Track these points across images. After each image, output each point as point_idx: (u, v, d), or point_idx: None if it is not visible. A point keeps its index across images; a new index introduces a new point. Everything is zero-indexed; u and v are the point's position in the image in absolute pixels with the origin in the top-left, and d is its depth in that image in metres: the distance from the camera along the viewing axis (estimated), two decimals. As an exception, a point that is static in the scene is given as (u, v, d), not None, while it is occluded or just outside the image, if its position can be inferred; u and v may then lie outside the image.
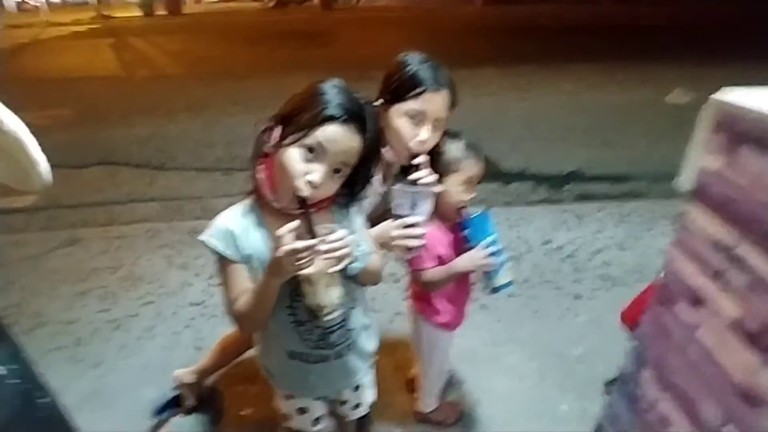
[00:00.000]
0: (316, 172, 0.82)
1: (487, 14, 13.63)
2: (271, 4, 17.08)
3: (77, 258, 2.60)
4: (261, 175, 0.89)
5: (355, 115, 0.84)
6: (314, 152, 0.82)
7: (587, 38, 8.79)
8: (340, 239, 0.81)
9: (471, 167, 1.19)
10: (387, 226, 1.12)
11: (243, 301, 0.89)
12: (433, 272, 1.24)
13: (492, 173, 3.59)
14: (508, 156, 3.76)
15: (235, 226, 0.89)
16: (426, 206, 1.11)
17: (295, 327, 0.97)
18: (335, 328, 0.98)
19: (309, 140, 0.82)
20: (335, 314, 0.89)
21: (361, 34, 10.86)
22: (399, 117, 1.11)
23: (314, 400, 1.10)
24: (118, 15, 17.29)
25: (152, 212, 3.13)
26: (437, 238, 1.24)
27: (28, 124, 0.81)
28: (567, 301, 2.08)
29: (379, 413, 1.60)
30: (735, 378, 0.65)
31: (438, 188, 1.13)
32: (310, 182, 0.82)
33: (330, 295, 0.87)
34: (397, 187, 1.10)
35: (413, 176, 1.09)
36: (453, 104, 1.17)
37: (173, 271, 2.42)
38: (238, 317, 0.91)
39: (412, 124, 1.11)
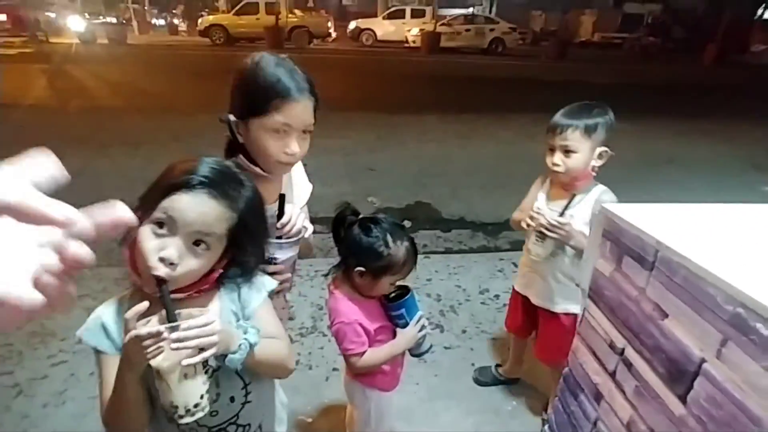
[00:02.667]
0: (170, 247, 0.74)
1: (431, 63, 14.36)
2: (220, 41, 17.05)
3: (-20, 310, 2.33)
4: (126, 260, 0.79)
5: (212, 182, 0.77)
6: (165, 226, 0.74)
7: (526, 91, 9.48)
8: (200, 326, 0.71)
9: (409, 268, 1.19)
10: None
11: (107, 403, 0.79)
12: (368, 357, 1.21)
13: (433, 219, 3.70)
14: (449, 203, 3.90)
15: (109, 317, 0.83)
16: (291, 253, 1.09)
17: (176, 428, 0.84)
18: (225, 425, 0.88)
19: (157, 213, 0.74)
20: (194, 416, 0.75)
21: (311, 75, 11.01)
22: (263, 132, 0.99)
23: None
24: (54, 41, 16.52)
25: (75, 257, 2.90)
26: (361, 314, 1.21)
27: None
28: (504, 353, 2.13)
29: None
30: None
31: (308, 234, 1.11)
32: (163, 259, 0.73)
33: (185, 393, 0.73)
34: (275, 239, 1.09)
35: (280, 230, 1.05)
36: (316, 107, 1.06)
37: (93, 325, 2.23)
38: (105, 422, 0.81)
39: (278, 138, 1.00)
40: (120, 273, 2.57)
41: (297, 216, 1.07)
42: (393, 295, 1.23)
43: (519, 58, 16.47)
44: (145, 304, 0.70)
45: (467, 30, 17.58)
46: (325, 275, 2.34)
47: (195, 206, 0.75)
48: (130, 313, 0.69)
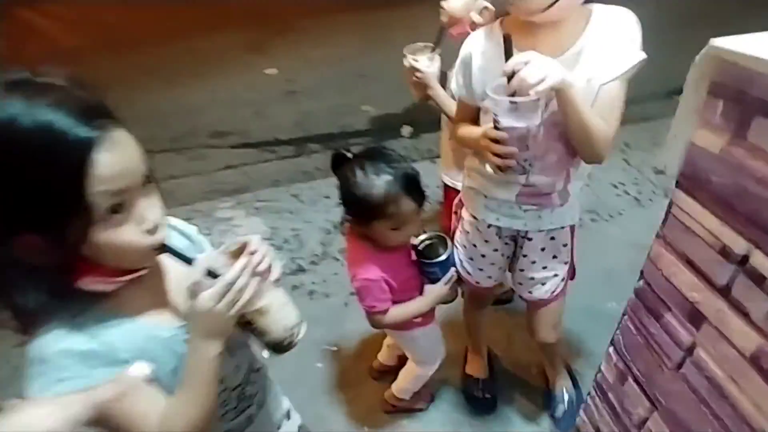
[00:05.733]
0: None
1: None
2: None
3: None
4: None
5: None
6: None
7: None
8: (260, 246, 0.62)
9: (407, 209, 0.97)
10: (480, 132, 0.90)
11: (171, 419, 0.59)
12: (392, 314, 1.11)
13: (437, 120, 3.39)
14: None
15: (82, 343, 0.56)
16: (518, 123, 0.80)
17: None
18: (244, 380, 0.79)
19: None
20: (304, 326, 0.70)
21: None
22: None
23: None
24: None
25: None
26: (384, 269, 1.07)
27: None
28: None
29: (344, 408, 1.49)
30: (755, 422, 0.51)
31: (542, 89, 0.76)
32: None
33: (288, 311, 0.68)
34: (494, 93, 0.80)
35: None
36: None
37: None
38: None
39: None
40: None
41: (530, 70, 0.75)
42: (423, 245, 1.11)
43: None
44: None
45: None
46: (328, 197, 2.14)
47: None
48: (200, 270, 0.57)
